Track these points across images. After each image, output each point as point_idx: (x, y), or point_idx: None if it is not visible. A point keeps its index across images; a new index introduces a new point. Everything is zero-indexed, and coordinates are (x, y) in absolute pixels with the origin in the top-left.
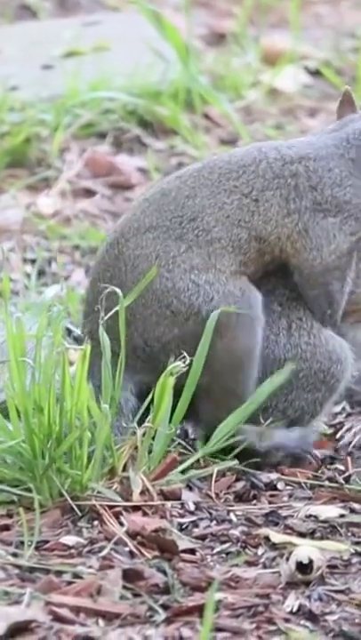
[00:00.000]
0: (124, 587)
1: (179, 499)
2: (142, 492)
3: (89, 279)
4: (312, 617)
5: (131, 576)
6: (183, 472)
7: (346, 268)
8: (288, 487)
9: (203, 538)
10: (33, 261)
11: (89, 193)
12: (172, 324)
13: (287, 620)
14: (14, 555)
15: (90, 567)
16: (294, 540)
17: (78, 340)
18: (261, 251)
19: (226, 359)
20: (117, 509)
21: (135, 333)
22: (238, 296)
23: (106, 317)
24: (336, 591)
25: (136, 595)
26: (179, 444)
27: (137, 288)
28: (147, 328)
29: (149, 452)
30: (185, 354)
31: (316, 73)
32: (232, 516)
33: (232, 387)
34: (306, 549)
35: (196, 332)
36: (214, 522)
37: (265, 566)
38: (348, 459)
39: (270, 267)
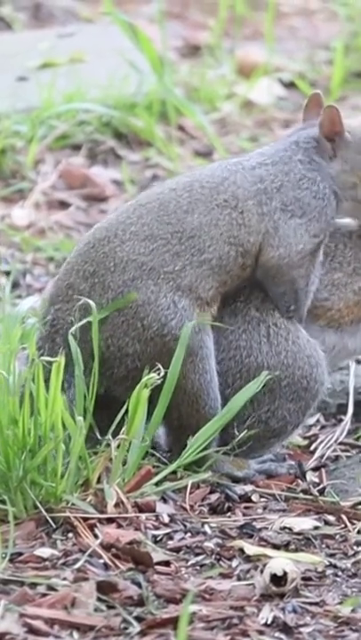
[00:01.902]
0: (99, 599)
1: (153, 511)
2: (117, 504)
3: (64, 267)
4: (286, 629)
5: (105, 588)
6: (157, 484)
7: (309, 267)
8: (262, 499)
9: (177, 550)
10: (7, 273)
11: (63, 205)
12: (138, 339)
13: (261, 633)
14: None
15: (64, 579)
16: (269, 552)
17: None
18: (244, 265)
19: (180, 395)
20: (92, 521)
21: (100, 335)
22: (194, 334)
23: (76, 327)
24: (310, 603)
25: (110, 607)
26: (153, 455)
27: (111, 306)
28: (114, 333)
29: (124, 463)
30: (138, 372)
31: (290, 85)
32: (206, 529)
33: (193, 417)
34: (280, 561)
35: (154, 354)
36: (189, 534)
37: (239, 578)
38: (323, 470)
39: (247, 280)
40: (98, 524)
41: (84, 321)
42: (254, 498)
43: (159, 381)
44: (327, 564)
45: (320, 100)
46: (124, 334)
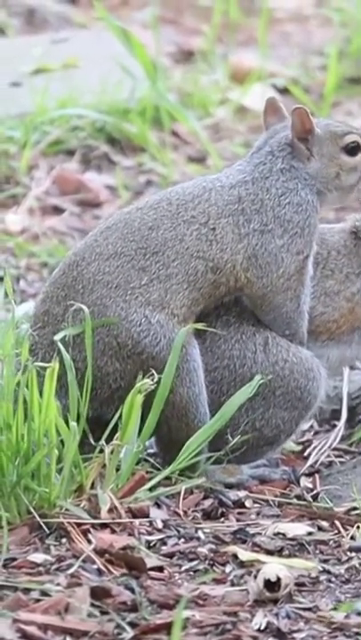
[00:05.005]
0: (92, 604)
1: (147, 516)
2: (110, 510)
3: (40, 296)
4: (280, 635)
5: (99, 593)
6: (151, 489)
7: (298, 287)
8: (256, 505)
9: (171, 555)
10: (0, 279)
11: (57, 210)
12: (115, 357)
13: (255, 638)
14: None
15: (58, 585)
16: (262, 557)
17: None
18: (216, 283)
19: (169, 410)
20: (85, 527)
21: (78, 356)
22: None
23: (59, 337)
24: (304, 609)
25: (104, 612)
26: (146, 461)
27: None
28: (91, 353)
29: (117, 469)
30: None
31: (284, 91)
32: (200, 534)
33: (183, 430)
34: (274, 567)
35: (135, 372)
36: (182, 539)
37: (233, 584)
38: (316, 476)
39: (226, 298)
40: (91, 530)
41: (64, 333)
42: (248, 503)
43: (152, 388)
44: (321, 569)
45: (277, 105)
46: (102, 353)
